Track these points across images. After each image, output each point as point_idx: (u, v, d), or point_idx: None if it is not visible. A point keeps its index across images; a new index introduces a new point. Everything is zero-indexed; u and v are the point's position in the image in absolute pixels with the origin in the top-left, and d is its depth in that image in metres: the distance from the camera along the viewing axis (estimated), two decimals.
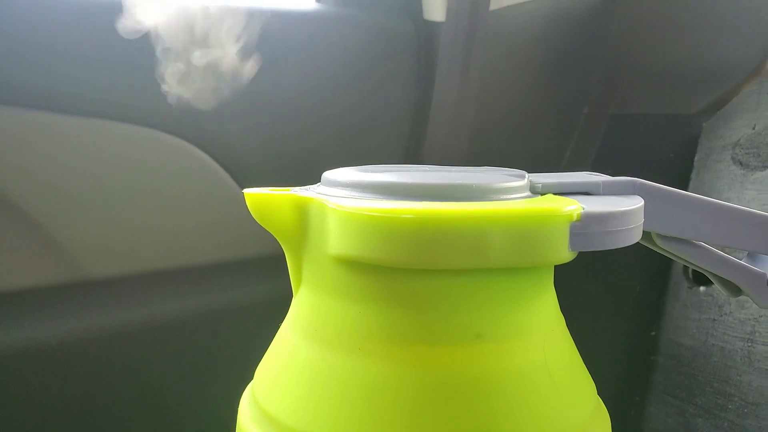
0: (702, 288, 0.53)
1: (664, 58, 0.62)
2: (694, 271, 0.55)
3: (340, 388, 0.19)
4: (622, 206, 0.19)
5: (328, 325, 0.20)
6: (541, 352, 0.20)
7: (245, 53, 0.55)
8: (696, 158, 0.56)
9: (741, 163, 0.53)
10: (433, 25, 0.61)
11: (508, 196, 0.20)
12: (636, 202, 0.20)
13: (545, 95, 0.66)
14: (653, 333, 0.57)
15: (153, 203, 0.51)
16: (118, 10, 0.49)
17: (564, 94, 0.66)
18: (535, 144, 0.66)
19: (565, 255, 0.18)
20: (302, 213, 0.20)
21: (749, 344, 0.47)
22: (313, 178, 0.57)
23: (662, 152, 0.60)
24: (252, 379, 0.24)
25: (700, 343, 0.51)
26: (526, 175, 0.22)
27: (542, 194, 0.21)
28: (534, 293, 0.20)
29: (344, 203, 0.19)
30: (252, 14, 0.55)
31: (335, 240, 0.19)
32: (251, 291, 0.55)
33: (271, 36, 0.56)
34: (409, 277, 0.18)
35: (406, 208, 0.17)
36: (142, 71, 0.49)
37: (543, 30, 0.63)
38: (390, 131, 0.62)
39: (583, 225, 0.18)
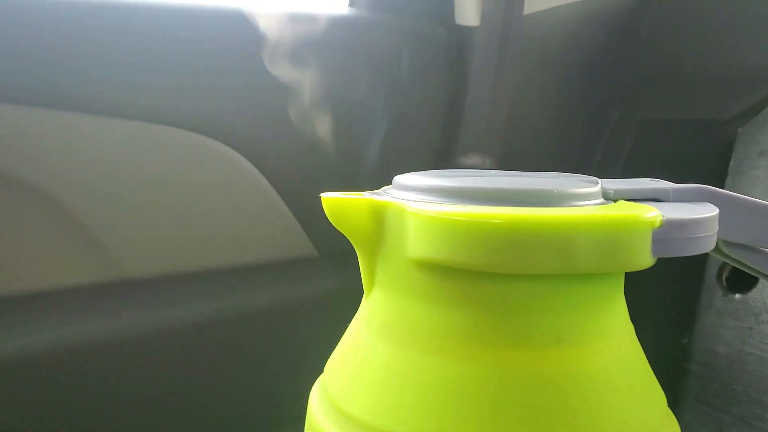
0: (737, 295, 0.52)
1: (697, 62, 0.62)
2: (728, 278, 0.55)
3: (419, 388, 0.19)
4: (701, 213, 0.19)
5: (406, 325, 0.20)
6: (616, 357, 0.20)
7: (279, 57, 0.55)
8: (731, 164, 0.56)
9: None
10: (465, 30, 0.61)
11: (585, 203, 0.20)
12: (711, 210, 0.20)
13: (576, 99, 0.66)
14: (685, 340, 0.57)
15: (190, 205, 0.51)
16: (151, 12, 0.49)
17: (595, 98, 0.66)
18: (565, 147, 0.67)
19: (647, 261, 0.18)
20: (378, 217, 0.21)
21: None
22: (348, 180, 0.57)
23: (695, 158, 0.60)
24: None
25: (736, 352, 0.51)
26: (599, 181, 0.22)
27: (614, 200, 0.21)
28: (610, 298, 0.20)
29: (425, 207, 0.19)
30: (285, 18, 0.56)
31: (415, 243, 0.19)
32: (285, 293, 0.55)
33: (303, 40, 0.56)
34: (493, 280, 0.19)
35: (494, 212, 0.18)
36: (183, 75, 0.50)
37: (575, 34, 0.64)
38: (422, 134, 0.62)
39: (664, 231, 0.18)
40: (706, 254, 0.23)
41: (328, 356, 0.24)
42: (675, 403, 0.57)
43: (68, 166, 0.47)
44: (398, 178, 0.22)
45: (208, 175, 0.52)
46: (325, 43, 0.58)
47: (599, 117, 0.67)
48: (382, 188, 0.23)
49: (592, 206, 0.20)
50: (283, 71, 0.56)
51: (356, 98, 0.58)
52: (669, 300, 0.61)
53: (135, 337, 0.49)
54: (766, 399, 0.48)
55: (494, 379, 0.19)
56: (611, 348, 0.20)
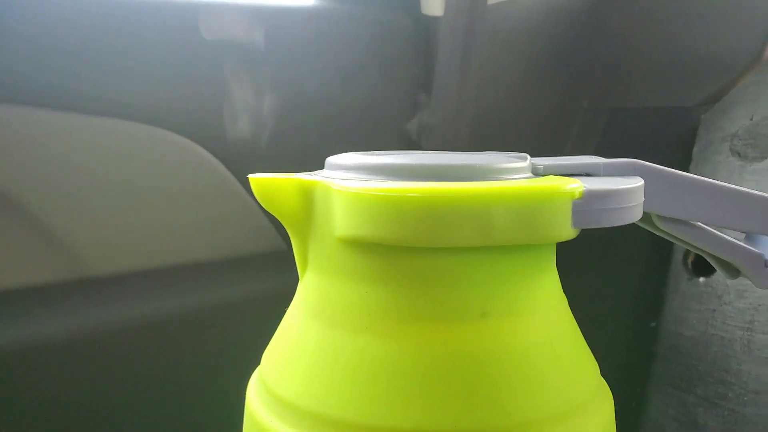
0: (701, 279, 0.53)
1: (663, 50, 0.62)
2: (693, 262, 0.55)
3: (348, 367, 0.19)
4: (623, 184, 0.19)
5: (335, 305, 0.20)
6: (544, 330, 0.20)
7: (244, 50, 0.55)
8: (695, 150, 0.57)
9: (739, 155, 0.54)
10: (431, 20, 0.62)
11: (511, 177, 0.20)
12: (636, 181, 0.20)
13: (544, 89, 0.66)
14: (653, 324, 0.57)
15: (154, 200, 0.51)
16: (120, 6, 0.49)
17: (563, 88, 0.66)
18: (535, 138, 0.67)
19: (568, 232, 0.18)
20: (307, 196, 0.21)
21: (748, 333, 0.47)
22: (315, 169, 0.56)
23: (661, 144, 0.60)
24: (253, 370, 0.25)
25: (700, 334, 0.51)
26: (528, 157, 0.22)
27: (543, 175, 0.21)
28: (537, 271, 0.20)
29: (349, 184, 0.19)
30: (251, 11, 0.56)
31: (341, 221, 0.19)
32: (253, 287, 0.55)
33: (270, 32, 0.56)
34: (415, 255, 0.19)
35: (412, 187, 0.18)
36: (143, 68, 0.50)
37: (541, 23, 0.64)
38: (389, 125, 0.62)
39: (584, 202, 0.18)
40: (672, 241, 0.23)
41: None
42: (644, 385, 0.58)
43: (27, 162, 0.46)
44: (330, 158, 0.22)
45: (173, 171, 0.52)
46: (291, 34, 0.58)
47: (568, 106, 0.67)
48: (317, 171, 0.23)
49: (516, 180, 0.20)
50: (249, 64, 0.56)
51: (323, 90, 0.58)
52: (638, 285, 0.61)
53: (97, 335, 0.49)
54: (728, 378, 0.49)
55: (420, 355, 0.19)
56: (539, 320, 0.20)
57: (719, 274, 0.52)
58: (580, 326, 0.22)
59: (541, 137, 0.68)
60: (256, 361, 0.25)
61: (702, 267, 0.54)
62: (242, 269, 0.54)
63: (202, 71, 0.53)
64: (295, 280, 0.58)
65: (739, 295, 0.49)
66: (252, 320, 0.54)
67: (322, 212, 0.20)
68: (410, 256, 0.19)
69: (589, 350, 0.22)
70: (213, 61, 0.53)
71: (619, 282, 0.62)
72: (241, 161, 0.54)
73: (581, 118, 0.68)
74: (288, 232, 0.22)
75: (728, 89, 0.57)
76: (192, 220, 0.53)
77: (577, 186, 0.18)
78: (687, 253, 0.56)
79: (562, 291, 0.22)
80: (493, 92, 0.64)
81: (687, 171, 0.61)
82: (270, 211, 0.22)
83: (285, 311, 0.23)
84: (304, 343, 0.21)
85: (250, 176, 0.22)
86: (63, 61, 0.47)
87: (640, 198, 0.20)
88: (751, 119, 0.54)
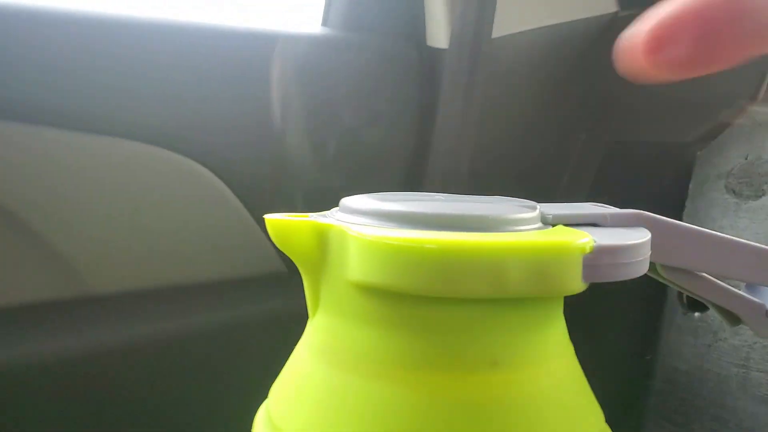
0: (696, 314, 0.54)
1: (660, 87, 0.63)
2: (688, 297, 0.56)
3: (357, 412, 0.20)
4: (632, 239, 0.20)
5: (345, 348, 0.21)
6: (553, 379, 0.20)
7: (251, 74, 0.56)
8: (690, 186, 0.58)
9: (734, 192, 0.55)
10: (436, 52, 0.63)
11: (522, 228, 0.20)
12: (644, 235, 0.21)
13: (544, 121, 0.67)
14: (649, 357, 0.58)
15: (157, 220, 0.51)
16: (127, 27, 0.50)
17: (562, 120, 0.67)
18: (533, 169, 0.68)
19: (578, 286, 0.19)
20: (322, 239, 0.21)
21: (744, 370, 0.48)
22: (317, 199, 0.57)
23: (658, 179, 0.61)
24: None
25: (696, 369, 0.52)
26: (538, 206, 0.23)
27: (553, 225, 0.22)
28: (546, 321, 0.21)
29: (365, 231, 0.19)
30: (258, 36, 0.57)
31: (355, 266, 0.20)
32: (254, 309, 0.55)
33: (276, 58, 0.57)
34: (428, 304, 0.19)
35: (429, 238, 0.18)
36: (150, 90, 0.50)
37: (543, 58, 0.65)
38: (392, 154, 0.63)
39: (595, 257, 0.19)
40: None
41: None
42: (639, 419, 0.58)
43: (32, 181, 0.46)
44: (345, 201, 0.23)
45: (176, 191, 0.52)
46: (297, 61, 0.58)
47: (566, 139, 0.68)
48: (330, 210, 0.24)
49: (527, 231, 0.20)
50: (255, 89, 0.56)
51: (326, 116, 0.59)
52: (634, 318, 0.62)
53: (100, 354, 0.49)
54: (724, 415, 0.49)
55: (430, 403, 0.19)
56: (548, 371, 0.20)
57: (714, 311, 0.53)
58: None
59: (539, 169, 0.68)
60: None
61: (697, 302, 0.55)
62: (244, 291, 0.55)
63: (208, 94, 0.53)
64: (296, 304, 0.57)
65: (734, 331, 0.49)
66: (253, 342, 0.55)
67: (337, 255, 0.21)
68: (423, 304, 0.19)
69: (594, 398, 0.22)
70: (220, 85, 0.54)
71: (615, 314, 0.62)
72: (245, 183, 0.54)
73: (579, 150, 0.69)
74: (300, 272, 0.22)
75: (724, 128, 0.58)
76: (194, 240, 0.53)
77: (587, 241, 0.19)
78: None
79: (569, 339, 0.22)
80: (493, 123, 0.64)
81: (683, 206, 0.62)
82: (284, 251, 0.22)
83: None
84: (312, 383, 0.21)
85: (266, 217, 0.22)
86: (71, 81, 0.47)
87: (648, 252, 0.21)
88: (746, 158, 0.55)
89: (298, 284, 0.60)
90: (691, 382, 0.52)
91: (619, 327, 0.62)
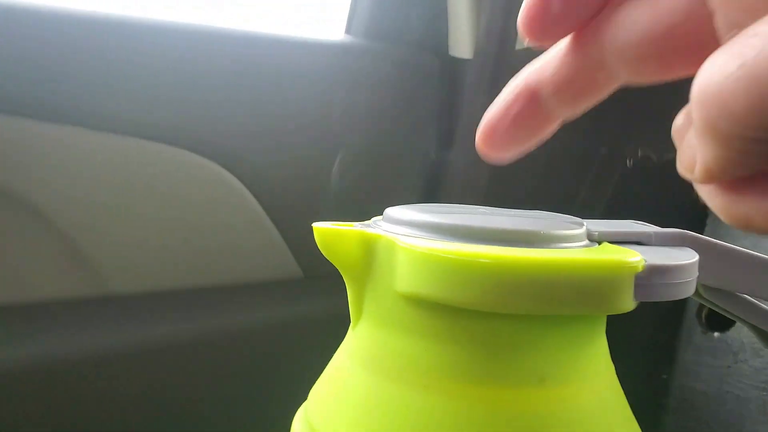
0: (716, 334, 0.53)
1: (682, 102, 0.63)
2: (708, 316, 0.56)
3: (399, 421, 0.19)
4: (682, 260, 0.20)
5: (389, 358, 0.20)
6: (597, 396, 0.20)
7: (274, 80, 0.56)
8: None
9: None
10: (458, 62, 0.63)
11: (571, 244, 0.20)
12: (692, 256, 0.21)
13: (564, 134, 0.67)
14: (665, 376, 0.57)
15: (180, 223, 0.52)
16: (161, 33, 0.50)
17: (583, 134, 0.67)
18: (552, 182, 0.68)
19: (629, 304, 0.19)
20: (368, 248, 0.21)
21: (765, 393, 0.47)
22: (338, 206, 0.57)
23: (679, 196, 0.61)
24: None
25: (714, 390, 0.51)
26: (584, 223, 0.22)
27: (599, 242, 0.22)
28: (592, 339, 0.20)
29: (417, 243, 0.19)
30: (282, 43, 0.57)
31: (404, 278, 0.20)
32: (271, 313, 0.55)
33: (299, 65, 0.57)
34: (479, 318, 0.19)
35: (483, 252, 0.18)
36: (178, 94, 0.51)
37: None
38: (412, 164, 0.63)
39: (646, 276, 0.19)
40: None
41: (314, 379, 0.24)
42: None
43: (58, 179, 0.47)
44: (389, 211, 0.23)
45: (199, 194, 0.52)
46: (320, 69, 0.59)
47: (587, 152, 0.68)
48: (372, 219, 0.24)
49: (577, 248, 0.20)
50: (279, 95, 0.57)
51: (348, 124, 0.59)
52: (650, 336, 0.62)
53: (118, 353, 0.49)
54: None
55: (476, 417, 0.19)
56: (592, 388, 0.20)
57: (735, 330, 0.53)
58: None
59: (560, 182, 0.68)
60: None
61: (717, 322, 0.54)
62: (263, 295, 0.55)
63: (233, 99, 0.54)
64: (314, 309, 0.57)
65: (755, 353, 0.49)
66: (271, 346, 0.55)
67: (384, 265, 0.21)
68: (472, 318, 0.19)
69: (635, 420, 0.22)
70: (245, 90, 0.54)
71: (631, 331, 0.62)
72: (267, 189, 0.55)
73: (599, 164, 0.69)
74: (345, 280, 0.22)
75: None
76: (215, 243, 0.53)
77: (639, 260, 0.19)
78: (702, 306, 0.56)
79: (610, 359, 0.22)
80: None
81: (704, 223, 0.61)
82: (330, 259, 0.22)
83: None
84: (355, 392, 0.21)
85: (314, 225, 0.22)
86: (103, 84, 0.48)
87: (696, 272, 0.20)
88: None
89: (314, 289, 0.60)
90: (708, 403, 0.52)
91: (635, 344, 0.62)
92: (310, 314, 0.56)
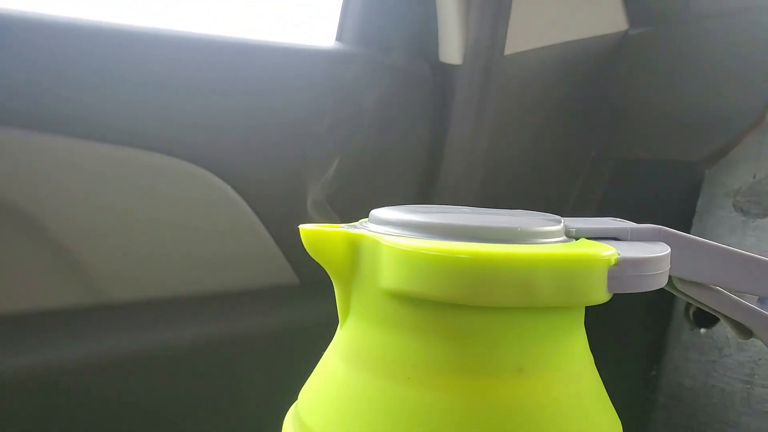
0: (702, 330, 0.54)
1: (670, 105, 0.64)
2: (695, 313, 0.57)
3: (389, 414, 0.20)
4: (653, 253, 0.21)
5: (376, 353, 0.21)
6: (575, 386, 0.21)
7: (265, 87, 0.57)
8: (699, 204, 0.59)
9: (742, 211, 0.56)
10: (448, 68, 0.64)
11: (548, 240, 0.21)
12: (664, 249, 0.22)
13: (554, 138, 0.68)
14: (654, 372, 0.58)
15: (173, 230, 0.52)
16: (149, 41, 0.51)
17: (572, 137, 0.68)
18: (543, 185, 0.69)
19: (603, 296, 0.20)
20: (354, 248, 0.22)
21: (748, 386, 0.48)
22: (332, 211, 0.58)
23: (666, 197, 0.62)
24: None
25: (701, 384, 0.52)
26: (562, 220, 0.23)
27: (576, 238, 0.23)
28: (570, 331, 0.21)
29: (399, 241, 0.20)
30: (272, 50, 0.58)
31: (388, 275, 0.20)
32: (267, 319, 0.56)
33: (290, 72, 0.58)
34: (459, 312, 0.20)
35: (463, 248, 0.19)
36: (169, 103, 0.51)
37: (554, 75, 0.66)
38: (403, 169, 0.64)
39: (619, 269, 0.20)
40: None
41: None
42: None
43: (52, 188, 0.47)
44: (375, 212, 0.24)
45: (192, 202, 0.53)
46: (311, 75, 0.59)
47: (576, 155, 0.70)
48: (359, 221, 0.25)
49: (554, 244, 0.21)
50: (271, 102, 0.57)
51: (340, 130, 0.60)
52: (639, 334, 0.63)
53: (115, 362, 0.49)
54: (728, 430, 0.50)
55: (458, 407, 0.20)
56: (570, 378, 0.21)
57: (720, 326, 0.53)
58: None
59: (549, 184, 0.69)
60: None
61: (703, 318, 0.55)
62: (258, 301, 0.55)
63: (226, 107, 0.54)
64: (308, 314, 0.58)
65: (739, 348, 0.50)
66: (266, 352, 0.55)
67: (369, 264, 0.22)
68: (454, 312, 0.20)
69: (612, 407, 0.23)
70: (237, 98, 0.55)
71: (620, 328, 0.63)
72: (261, 196, 0.55)
73: (588, 167, 0.70)
74: (332, 280, 0.23)
75: (732, 146, 0.59)
76: (210, 251, 0.54)
77: (612, 253, 0.20)
78: (689, 304, 0.57)
79: (589, 349, 0.23)
80: (504, 139, 0.66)
81: (691, 223, 0.62)
82: (317, 260, 0.23)
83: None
84: (345, 388, 0.22)
85: (301, 227, 0.23)
86: (95, 94, 0.48)
87: (668, 265, 0.21)
88: (754, 177, 0.56)
89: (310, 295, 0.60)
90: (695, 398, 0.53)
91: (625, 342, 0.63)
92: (306, 320, 0.57)
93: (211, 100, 0.54)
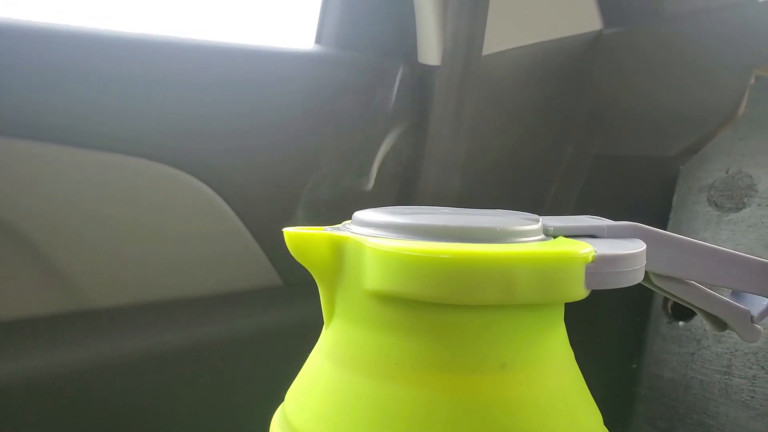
0: (681, 323, 0.55)
1: (645, 102, 0.66)
2: (673, 306, 0.58)
3: (375, 412, 0.21)
4: (629, 249, 0.21)
5: (361, 353, 0.22)
6: (557, 381, 0.21)
7: (245, 90, 0.57)
8: (674, 199, 0.60)
9: (716, 205, 0.57)
10: (427, 68, 0.64)
11: (527, 239, 0.22)
12: (639, 246, 0.22)
13: (532, 136, 0.69)
14: (634, 365, 0.59)
15: (156, 235, 0.52)
16: (130, 46, 0.51)
17: (550, 135, 0.69)
18: (522, 183, 0.69)
19: (581, 292, 0.20)
20: (338, 250, 0.22)
21: (726, 377, 0.49)
22: (314, 213, 0.58)
23: (643, 192, 0.63)
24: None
25: (680, 376, 0.53)
26: (540, 219, 0.24)
27: (554, 236, 0.23)
28: (550, 327, 0.22)
29: (382, 242, 0.21)
30: (252, 53, 0.58)
31: (372, 276, 0.21)
32: (250, 322, 0.56)
33: (271, 75, 0.58)
34: (442, 311, 0.20)
35: (443, 248, 0.19)
36: (147, 107, 0.51)
37: (531, 74, 0.67)
38: (384, 170, 0.64)
39: (596, 266, 0.20)
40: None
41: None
42: (626, 425, 0.59)
43: (31, 195, 0.47)
44: (357, 214, 0.24)
45: (174, 206, 0.53)
46: (291, 78, 0.60)
47: (554, 153, 0.70)
48: (342, 223, 0.25)
49: (532, 242, 0.22)
50: (251, 105, 0.57)
51: (320, 132, 0.60)
52: (620, 328, 0.64)
53: (99, 368, 0.49)
54: (707, 421, 0.51)
55: (443, 404, 0.20)
56: (552, 372, 0.22)
57: (698, 319, 0.55)
58: None
59: (528, 182, 0.70)
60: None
61: (681, 311, 0.57)
62: (241, 304, 0.55)
63: (206, 111, 0.54)
64: (292, 316, 0.58)
65: (717, 339, 0.51)
66: (251, 354, 0.55)
67: (353, 266, 0.22)
68: (437, 311, 0.20)
69: (593, 400, 0.23)
70: (217, 102, 0.55)
71: (601, 323, 0.64)
72: (243, 199, 0.55)
73: (566, 163, 0.71)
74: (317, 282, 0.23)
75: (705, 142, 0.61)
76: (193, 255, 0.53)
77: (589, 251, 0.20)
78: (666, 298, 0.58)
79: (569, 344, 0.23)
80: (483, 137, 0.66)
81: (667, 218, 0.64)
82: (301, 263, 0.23)
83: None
84: (331, 387, 0.22)
85: (285, 230, 0.23)
86: (71, 98, 0.48)
87: (644, 261, 0.22)
88: (727, 172, 0.57)
89: (294, 297, 0.60)
90: (675, 389, 0.54)
91: (606, 336, 0.64)
92: (291, 322, 0.57)
93: (193, 105, 0.54)
